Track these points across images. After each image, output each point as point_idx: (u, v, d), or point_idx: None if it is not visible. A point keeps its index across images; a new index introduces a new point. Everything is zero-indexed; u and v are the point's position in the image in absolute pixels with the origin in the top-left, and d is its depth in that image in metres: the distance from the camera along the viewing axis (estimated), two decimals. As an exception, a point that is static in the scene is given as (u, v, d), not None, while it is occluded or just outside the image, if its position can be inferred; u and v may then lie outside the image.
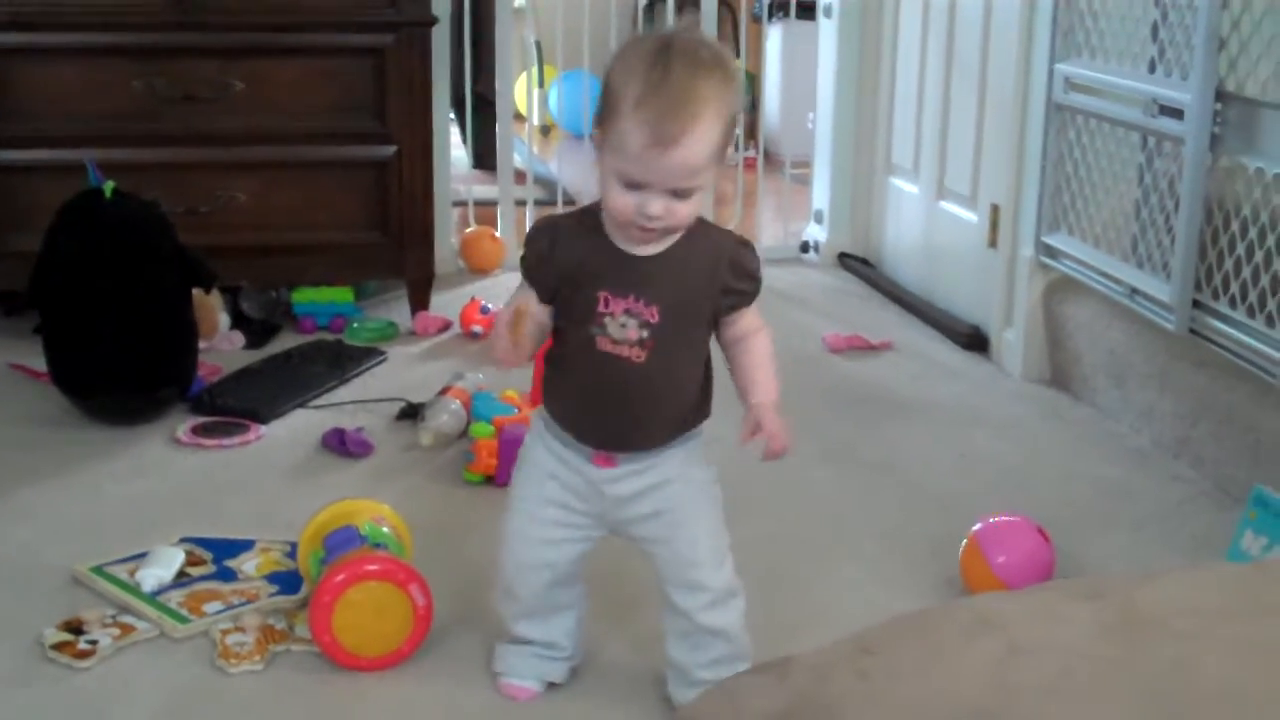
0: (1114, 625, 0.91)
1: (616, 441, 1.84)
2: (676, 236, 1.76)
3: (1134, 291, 2.87)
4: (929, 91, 3.91)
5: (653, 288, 1.76)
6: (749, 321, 1.84)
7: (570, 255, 1.79)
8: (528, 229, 1.90)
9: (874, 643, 0.92)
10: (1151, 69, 2.82)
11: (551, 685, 1.99)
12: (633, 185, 1.68)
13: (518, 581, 1.93)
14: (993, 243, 3.48)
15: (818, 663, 0.88)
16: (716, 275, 1.78)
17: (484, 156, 5.07)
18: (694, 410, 1.86)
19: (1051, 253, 3.22)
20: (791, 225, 4.59)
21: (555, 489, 1.88)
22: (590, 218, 1.79)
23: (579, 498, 1.87)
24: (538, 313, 1.82)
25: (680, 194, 1.69)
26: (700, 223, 1.78)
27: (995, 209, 3.47)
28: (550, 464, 1.87)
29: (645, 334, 1.76)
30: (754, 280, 1.82)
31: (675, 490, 1.86)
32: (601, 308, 1.76)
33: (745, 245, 1.82)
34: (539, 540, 1.90)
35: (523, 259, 1.84)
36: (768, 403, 1.84)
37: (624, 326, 1.76)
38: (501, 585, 1.96)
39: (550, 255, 1.80)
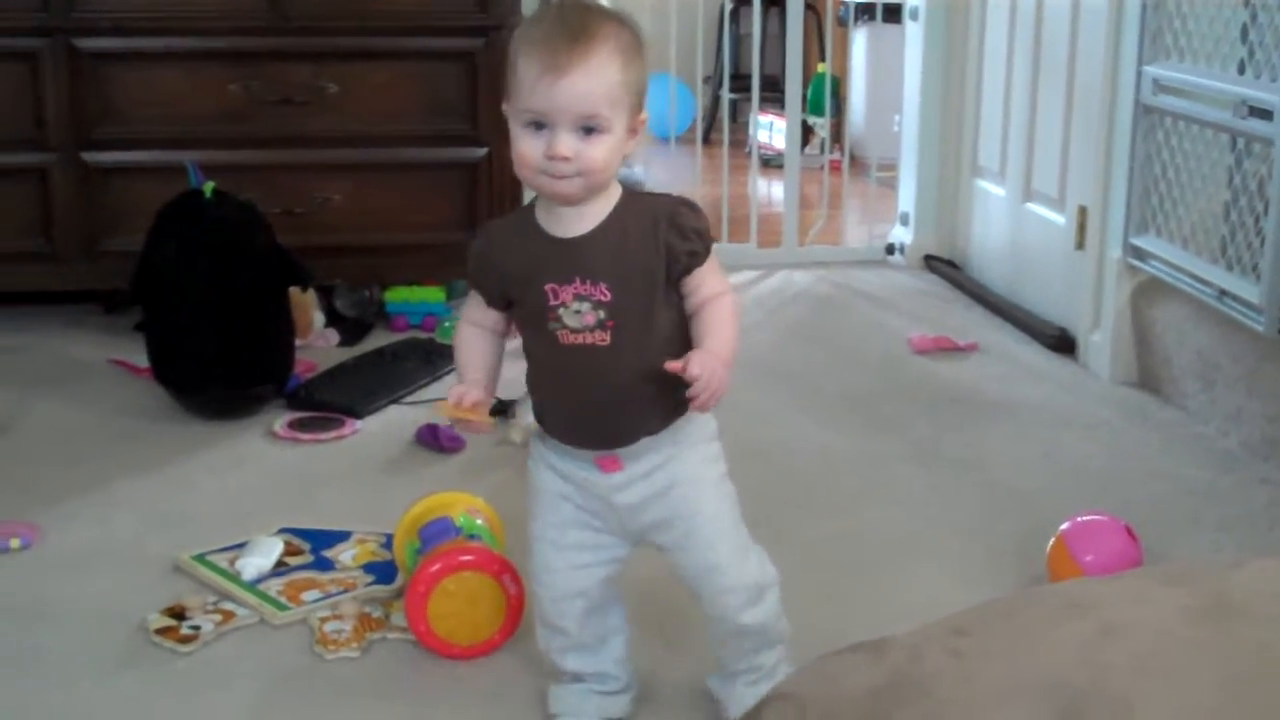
0: (1202, 609, 0.93)
1: (613, 437, 1.76)
2: (605, 205, 1.70)
3: (1223, 293, 2.87)
4: (1015, 93, 3.91)
5: (594, 264, 1.69)
6: (711, 286, 1.74)
7: (507, 253, 1.74)
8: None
9: (966, 624, 0.95)
10: (1241, 70, 2.81)
11: None
12: (536, 125, 1.63)
13: (556, 614, 1.85)
14: (1080, 244, 3.48)
15: (912, 642, 0.91)
16: (657, 237, 1.70)
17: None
18: (675, 390, 1.71)
19: (1140, 254, 3.21)
20: (876, 228, 4.60)
21: (570, 511, 1.81)
22: (523, 215, 1.76)
23: (594, 514, 1.80)
24: (492, 333, 1.80)
25: (588, 132, 1.63)
26: (631, 193, 1.73)
27: (1083, 211, 3.47)
28: (558, 485, 1.80)
29: (602, 314, 1.69)
30: (701, 238, 1.73)
31: (683, 493, 1.78)
32: (551, 300, 1.69)
33: (684, 203, 1.74)
34: (567, 568, 1.82)
35: (468, 264, 1.79)
36: (713, 350, 1.69)
37: (578, 313, 1.69)
38: (541, 623, 1.89)
39: (488, 255, 1.76)
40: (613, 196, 1.71)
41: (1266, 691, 0.85)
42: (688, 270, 1.72)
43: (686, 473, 1.78)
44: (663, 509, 1.78)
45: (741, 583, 1.81)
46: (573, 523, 1.81)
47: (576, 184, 1.65)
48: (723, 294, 1.75)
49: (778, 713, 0.90)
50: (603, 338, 1.70)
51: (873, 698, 0.88)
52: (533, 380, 1.79)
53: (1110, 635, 0.90)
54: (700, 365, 1.66)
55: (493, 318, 1.80)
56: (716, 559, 1.80)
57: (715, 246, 1.75)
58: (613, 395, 1.73)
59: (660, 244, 1.70)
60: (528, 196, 3.80)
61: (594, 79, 1.62)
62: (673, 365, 1.66)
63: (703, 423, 1.80)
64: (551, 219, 1.71)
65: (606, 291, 1.68)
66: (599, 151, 1.64)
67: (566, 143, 1.63)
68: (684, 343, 1.72)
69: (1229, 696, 0.85)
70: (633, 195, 1.73)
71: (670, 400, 1.73)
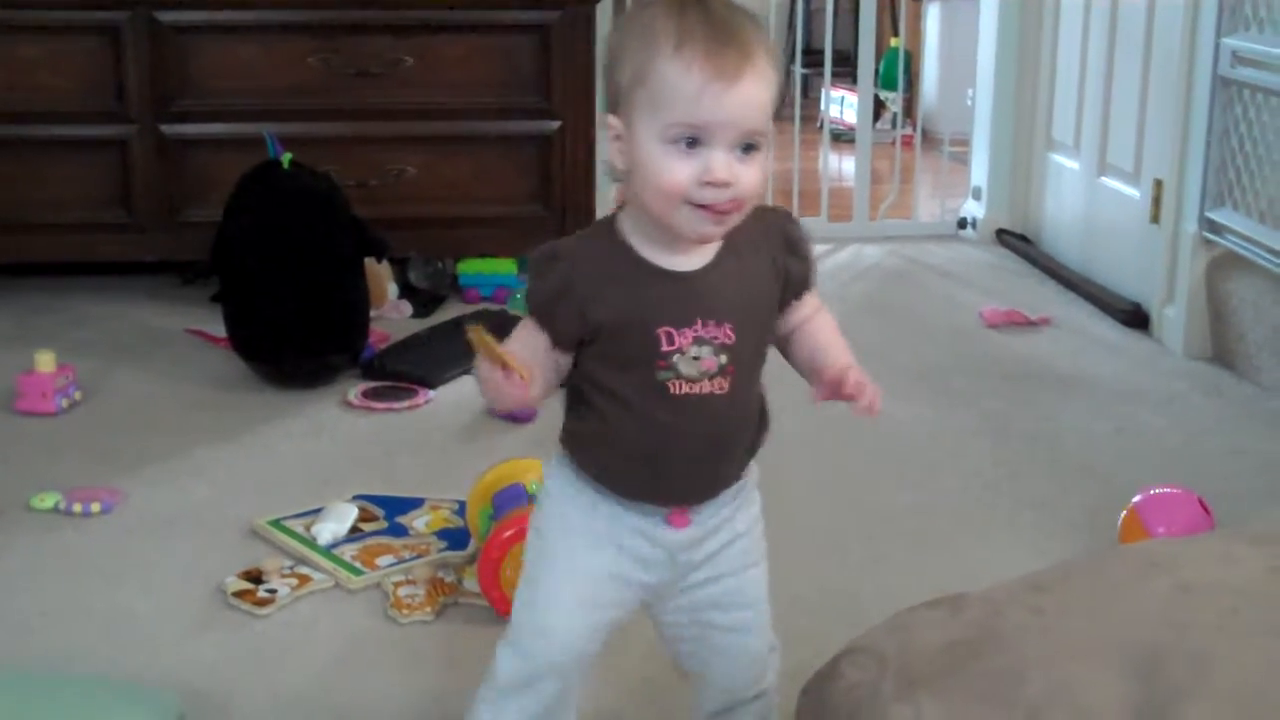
0: (1282, 569, 0.94)
1: (703, 490, 1.51)
2: (730, 227, 1.43)
3: (1301, 267, 2.84)
4: (1091, 67, 3.88)
5: (719, 301, 1.44)
6: (811, 303, 1.54)
7: (601, 289, 1.42)
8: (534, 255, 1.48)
9: (1047, 581, 0.95)
10: (1322, 41, 2.78)
11: None
12: (691, 141, 1.36)
13: (542, 677, 1.54)
14: (1155, 218, 3.45)
15: (991, 598, 0.92)
16: (775, 261, 1.49)
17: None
18: (762, 421, 1.54)
19: (1215, 228, 3.18)
20: (948, 202, 4.58)
21: (613, 560, 1.51)
22: (610, 238, 1.45)
23: (644, 567, 1.52)
24: (544, 359, 1.45)
25: (746, 150, 1.37)
26: None
27: (1158, 184, 3.44)
28: (602, 527, 1.50)
29: (724, 359, 1.44)
30: (810, 257, 1.53)
31: (744, 546, 1.55)
32: (665, 346, 1.42)
33: (789, 216, 1.54)
34: (588, 629, 1.53)
35: (528, 295, 1.46)
36: (850, 363, 1.50)
37: (697, 360, 1.43)
38: (505, 682, 1.56)
39: (570, 288, 1.42)
40: None
41: (1347, 651, 0.85)
42: (801, 295, 1.53)
43: (747, 524, 1.56)
44: (719, 565, 1.54)
45: (764, 648, 1.60)
46: (606, 576, 1.52)
47: (732, 219, 1.40)
48: (822, 308, 1.56)
49: (856, 665, 0.91)
50: (722, 385, 1.44)
51: (951, 650, 0.89)
52: (595, 432, 1.49)
53: (1190, 593, 0.91)
54: (859, 375, 1.47)
55: (552, 361, 1.46)
56: (758, 620, 1.58)
57: None
58: (722, 447, 1.50)
59: (779, 269, 1.49)
60: (601, 170, 3.87)
61: (763, 88, 1.38)
62: (825, 393, 1.49)
63: (753, 469, 1.58)
64: (657, 247, 1.43)
65: (731, 333, 1.44)
66: (756, 174, 1.39)
67: (727, 164, 1.37)
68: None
69: (1309, 655, 0.85)
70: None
71: (754, 443, 1.54)
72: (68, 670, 1.95)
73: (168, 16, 3.44)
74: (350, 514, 2.37)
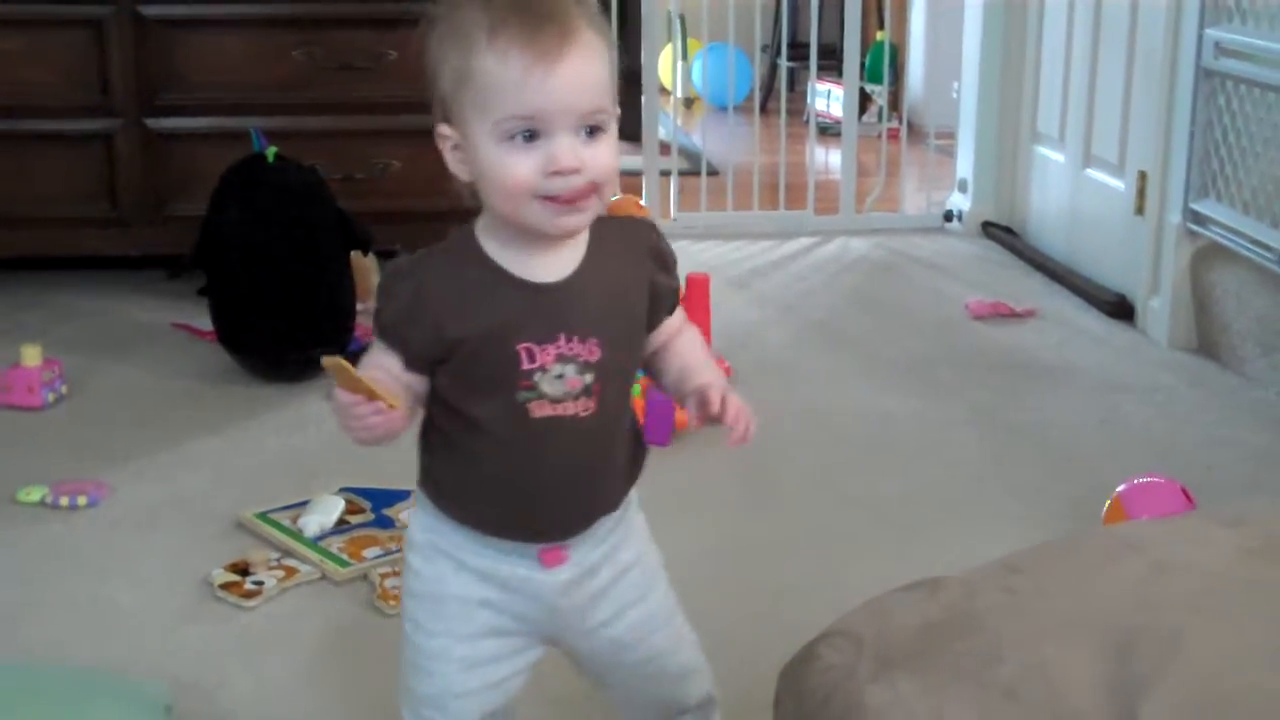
0: (1255, 550, 0.94)
1: (572, 522, 1.40)
2: (582, 236, 1.34)
3: (1283, 257, 2.85)
4: (1076, 59, 3.89)
5: (584, 315, 1.33)
6: (676, 321, 1.45)
7: (454, 304, 1.31)
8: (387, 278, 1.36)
9: (1021, 563, 0.96)
10: (1304, 32, 2.79)
11: None
12: (527, 135, 1.26)
13: None
14: (1140, 210, 3.46)
15: (967, 580, 0.93)
16: (642, 275, 1.39)
17: (629, 128, 5.13)
18: (637, 446, 1.44)
19: (1200, 219, 3.20)
20: (934, 195, 4.59)
21: (488, 618, 1.41)
22: (468, 250, 1.34)
23: (518, 618, 1.41)
24: (400, 378, 1.33)
25: (591, 132, 1.28)
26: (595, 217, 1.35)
27: (1143, 176, 3.45)
28: (474, 589, 1.40)
29: (589, 378, 1.33)
30: (675, 272, 1.43)
31: (635, 578, 1.45)
32: (526, 364, 1.31)
33: (655, 229, 1.43)
34: (483, 689, 1.43)
35: (377, 313, 1.35)
36: (719, 382, 1.41)
37: (560, 378, 1.32)
38: None
39: (420, 308, 1.31)
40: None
41: (1319, 630, 0.86)
42: (670, 311, 1.43)
43: (635, 553, 1.45)
44: (615, 602, 1.44)
45: (697, 657, 1.52)
46: (488, 632, 1.41)
47: (591, 205, 1.30)
48: (687, 323, 1.46)
49: (833, 647, 0.92)
50: (587, 406, 1.34)
51: (927, 631, 0.90)
52: (454, 464, 1.38)
53: (1163, 573, 0.92)
54: (733, 399, 1.38)
55: (405, 386, 1.34)
56: (670, 638, 1.48)
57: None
58: (588, 473, 1.38)
59: (645, 283, 1.39)
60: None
61: (592, 64, 1.28)
62: (700, 418, 1.38)
63: (632, 495, 1.47)
64: (518, 258, 1.33)
65: (596, 349, 1.33)
66: (606, 155, 1.29)
67: (571, 149, 1.27)
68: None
69: (1281, 634, 0.85)
70: (597, 219, 1.35)
71: (630, 469, 1.43)
72: (56, 662, 1.96)
73: (152, 10, 3.44)
74: (337, 506, 2.37)
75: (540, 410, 1.32)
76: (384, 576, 2.17)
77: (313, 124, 3.49)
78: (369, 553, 2.25)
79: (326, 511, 2.35)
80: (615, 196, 1.17)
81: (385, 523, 2.36)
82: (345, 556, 2.24)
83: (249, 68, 3.49)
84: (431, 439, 1.39)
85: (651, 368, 1.46)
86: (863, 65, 4.81)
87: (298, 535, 2.30)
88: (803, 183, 4.53)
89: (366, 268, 3.49)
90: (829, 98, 5.71)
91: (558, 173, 1.26)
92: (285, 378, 3.01)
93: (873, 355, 3.26)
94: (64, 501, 2.42)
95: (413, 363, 1.33)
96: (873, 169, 4.78)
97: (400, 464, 2.58)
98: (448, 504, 1.39)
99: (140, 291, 3.67)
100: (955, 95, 4.57)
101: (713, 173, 4.69)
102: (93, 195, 3.52)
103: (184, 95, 3.49)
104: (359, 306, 3.21)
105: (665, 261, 1.41)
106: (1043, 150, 4.15)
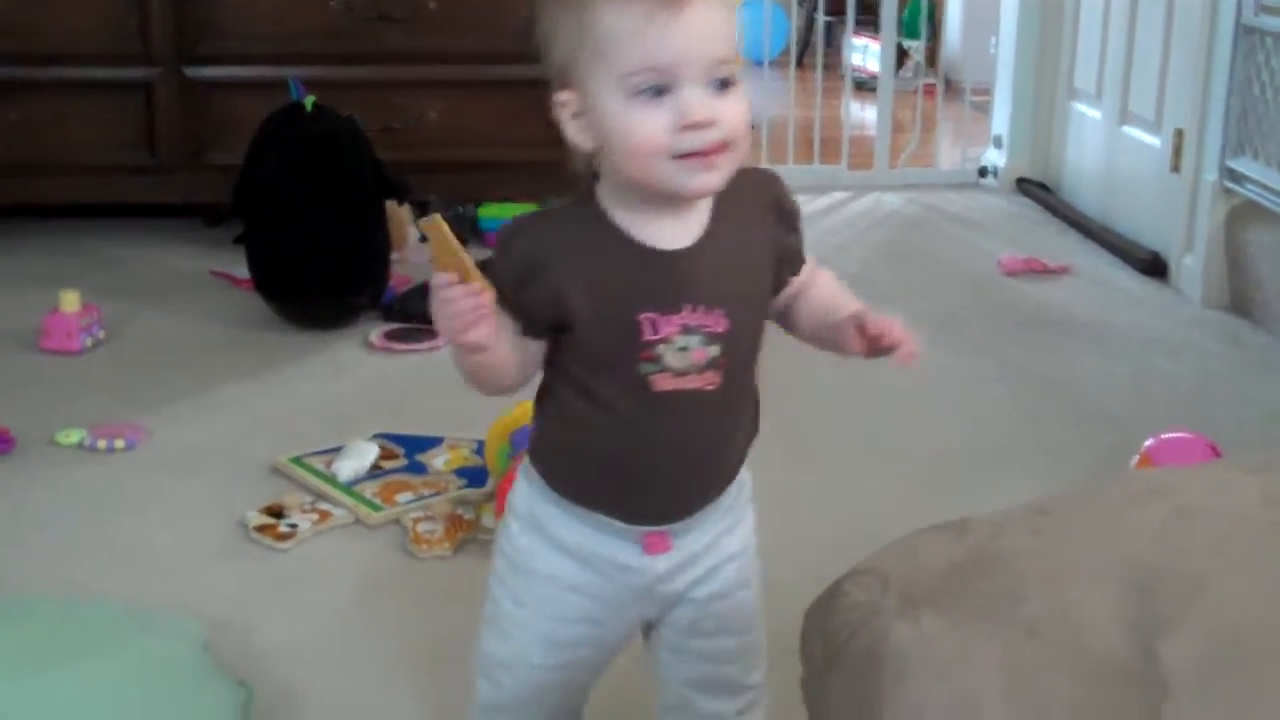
0: (1279, 497, 0.95)
1: (685, 504, 1.32)
2: (707, 199, 1.25)
3: (1319, 215, 2.84)
4: (1114, 15, 3.87)
5: (710, 284, 1.25)
6: (804, 273, 1.36)
7: (573, 267, 1.23)
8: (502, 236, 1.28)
9: (1049, 506, 0.97)
10: (1345, -12, 2.77)
11: None
12: (656, 91, 1.17)
13: (514, 708, 1.40)
14: (1175, 167, 3.45)
15: (994, 521, 0.94)
16: (768, 234, 1.31)
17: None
18: (754, 422, 1.36)
19: (1235, 177, 3.18)
20: (969, 151, 4.58)
21: (581, 604, 1.34)
22: (588, 212, 1.25)
23: (612, 605, 1.34)
24: (513, 344, 1.26)
25: (722, 86, 1.19)
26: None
27: (1179, 133, 3.43)
28: (571, 573, 1.33)
29: (715, 350, 1.24)
30: (800, 227, 1.35)
31: (736, 568, 1.37)
32: (648, 335, 1.22)
33: (780, 181, 1.34)
34: (558, 668, 1.37)
35: (494, 273, 1.23)
36: (865, 308, 1.33)
37: (685, 350, 1.24)
38: (484, 704, 1.42)
39: (539, 266, 1.23)
40: None
41: (1341, 575, 0.87)
42: (796, 271, 1.35)
43: (741, 545, 1.38)
44: (708, 587, 1.36)
45: (755, 680, 1.42)
46: (576, 618, 1.35)
47: (725, 163, 1.20)
48: (816, 265, 1.38)
49: (859, 585, 0.93)
50: (713, 379, 1.26)
51: (953, 571, 0.91)
52: (567, 435, 1.31)
53: (1187, 518, 0.93)
54: (891, 322, 1.31)
55: (522, 347, 1.27)
56: (749, 647, 1.41)
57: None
58: (708, 452, 1.32)
59: (771, 245, 1.31)
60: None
61: (716, 9, 1.19)
62: (859, 344, 1.30)
63: (746, 479, 1.40)
64: (641, 222, 1.24)
65: (723, 319, 1.25)
66: (740, 109, 1.20)
67: (704, 102, 1.18)
68: None
69: (1303, 578, 0.86)
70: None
71: (748, 440, 1.36)
72: (94, 599, 1.99)
73: (191, -41, 3.46)
74: (371, 452, 2.40)
75: (662, 384, 1.24)
76: (416, 521, 2.20)
77: (350, 74, 3.51)
78: (402, 497, 2.27)
79: (360, 456, 2.37)
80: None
81: (418, 468, 2.38)
82: (378, 501, 2.26)
83: (288, 17, 3.50)
84: (545, 406, 1.32)
85: (788, 321, 1.38)
86: (900, 20, 4.79)
87: (332, 480, 2.32)
88: (838, 137, 4.52)
89: (402, 217, 3.52)
90: (866, 52, 5.69)
91: (691, 126, 1.17)
92: (321, 325, 3.03)
93: (905, 310, 3.17)
94: (101, 444, 2.45)
95: (529, 328, 1.25)
96: (908, 124, 4.78)
97: (431, 411, 2.62)
98: (555, 476, 1.32)
99: (178, 239, 3.70)
100: (992, 51, 4.55)
101: (752, 127, 4.69)
102: (132, 143, 3.54)
103: (222, 44, 3.51)
104: (394, 255, 3.23)
105: (791, 218, 1.32)
106: (1079, 106, 4.13)
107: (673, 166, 1.18)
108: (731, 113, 1.18)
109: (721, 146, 1.18)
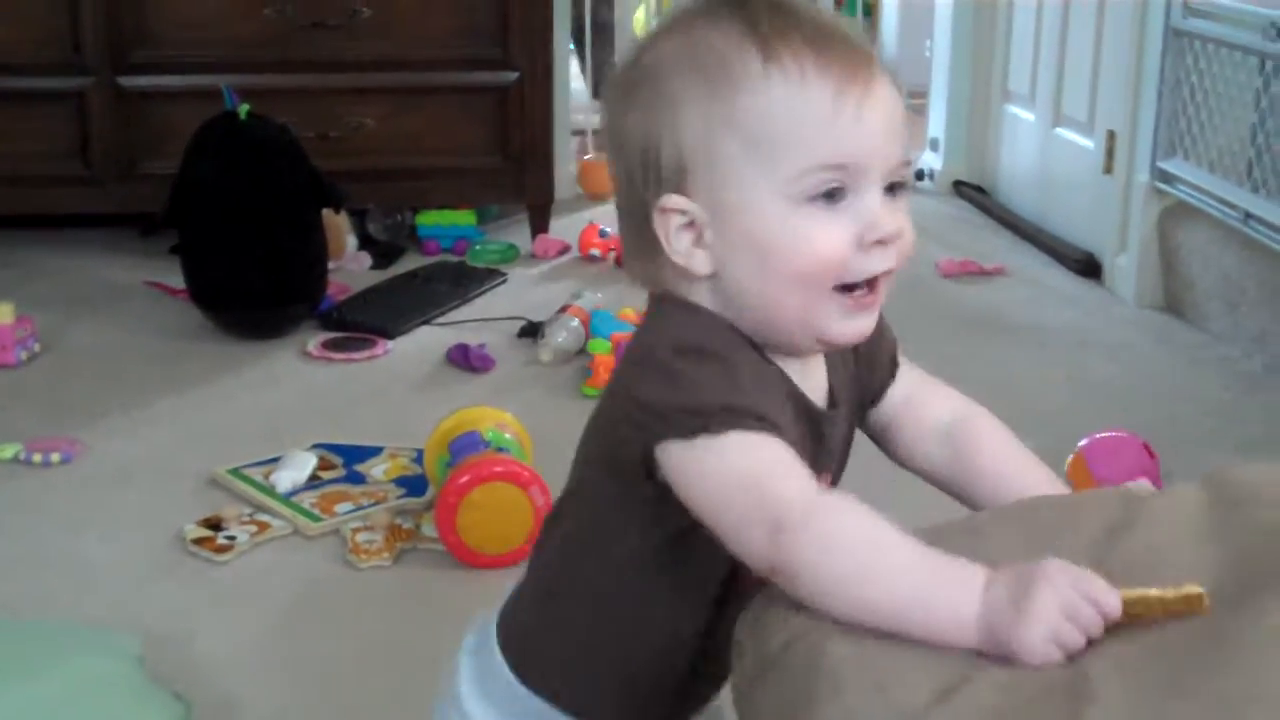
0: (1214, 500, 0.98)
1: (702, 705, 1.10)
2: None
3: (1248, 216, 2.87)
4: (1047, 18, 3.91)
5: (837, 444, 1.07)
6: (912, 373, 1.18)
7: (780, 420, 0.96)
8: (681, 355, 0.95)
9: (981, 525, 0.99)
10: (1270, -8, 2.81)
11: None
12: (829, 194, 0.94)
13: None
14: (1108, 169, 3.49)
15: (932, 533, 0.96)
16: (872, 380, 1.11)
17: (603, 86, 5.13)
18: None
19: (1167, 178, 3.22)
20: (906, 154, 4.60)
21: None
22: (752, 355, 0.98)
23: None
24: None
25: (891, 189, 0.97)
26: None
27: (1111, 135, 3.47)
28: None
29: None
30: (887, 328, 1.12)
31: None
32: None
33: (893, 336, 1.16)
34: None
35: (713, 396, 0.93)
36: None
37: None
38: None
39: (744, 390, 0.95)
40: None
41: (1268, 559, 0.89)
42: (895, 373, 1.17)
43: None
44: None
45: None
46: None
47: (881, 299, 1.00)
48: (928, 378, 1.18)
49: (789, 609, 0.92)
50: None
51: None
52: (604, 623, 1.03)
53: (1117, 534, 0.94)
54: None
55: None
56: None
57: None
58: None
59: (860, 388, 1.11)
60: (560, 123, 3.90)
61: (896, 94, 0.98)
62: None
63: None
64: (796, 370, 1.01)
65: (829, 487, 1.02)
66: (909, 224, 0.99)
67: (890, 211, 0.96)
68: None
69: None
70: None
71: None
72: (29, 616, 1.97)
73: (123, -33, 3.43)
74: (309, 462, 2.39)
75: (750, 582, 0.96)
76: (355, 531, 2.19)
77: (285, 82, 3.48)
78: (341, 508, 2.26)
79: (299, 467, 2.36)
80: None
81: (357, 478, 2.37)
82: (317, 512, 2.25)
83: (221, 25, 3.47)
84: (565, 596, 1.04)
85: (895, 448, 1.18)
86: (836, 24, 4.81)
87: (270, 491, 2.31)
88: (775, 141, 4.53)
89: (339, 226, 3.51)
90: (802, 56, 5.70)
91: (880, 241, 0.95)
92: (258, 335, 3.02)
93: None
94: (37, 458, 2.43)
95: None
96: (845, 128, 4.79)
97: (370, 421, 2.62)
98: (555, 690, 1.04)
99: (113, 250, 3.67)
100: (928, 55, 4.58)
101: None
102: (65, 153, 3.51)
103: (156, 53, 3.48)
104: (330, 265, 3.22)
105: (875, 349, 1.09)
106: (1013, 109, 4.16)
107: (834, 301, 0.96)
108: (908, 228, 0.97)
109: (888, 275, 0.97)
